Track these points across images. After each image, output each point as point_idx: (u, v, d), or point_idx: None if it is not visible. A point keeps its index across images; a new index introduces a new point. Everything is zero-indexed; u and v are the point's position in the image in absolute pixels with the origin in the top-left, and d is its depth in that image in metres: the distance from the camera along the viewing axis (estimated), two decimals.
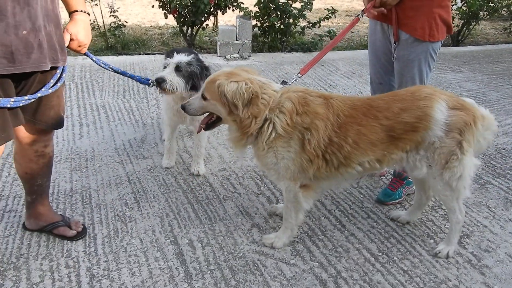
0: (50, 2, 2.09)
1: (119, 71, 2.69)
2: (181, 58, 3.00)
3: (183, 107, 2.54)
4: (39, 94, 2.14)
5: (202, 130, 3.27)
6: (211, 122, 2.54)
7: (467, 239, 2.78)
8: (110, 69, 2.63)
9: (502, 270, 2.53)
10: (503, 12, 9.96)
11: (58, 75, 2.23)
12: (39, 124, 2.30)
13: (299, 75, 2.67)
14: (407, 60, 2.84)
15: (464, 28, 8.05)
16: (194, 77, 2.98)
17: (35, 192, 2.56)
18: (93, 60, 2.54)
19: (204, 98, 2.40)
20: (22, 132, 2.33)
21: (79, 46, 2.31)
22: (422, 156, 2.41)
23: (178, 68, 2.97)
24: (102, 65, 2.57)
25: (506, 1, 8.72)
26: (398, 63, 2.90)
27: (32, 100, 2.14)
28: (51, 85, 2.21)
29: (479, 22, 8.50)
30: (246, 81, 2.29)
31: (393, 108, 2.36)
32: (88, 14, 2.30)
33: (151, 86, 2.98)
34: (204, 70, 3.06)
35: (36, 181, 2.52)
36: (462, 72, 6.32)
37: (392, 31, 2.85)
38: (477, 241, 2.77)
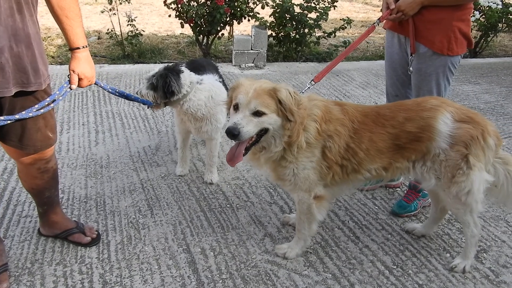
0: (20, 21, 1.96)
1: (124, 94, 2.68)
2: (151, 72, 3.06)
3: (234, 134, 2.11)
4: (17, 116, 2.05)
5: (215, 140, 3.32)
6: (252, 143, 2.26)
7: (484, 254, 2.72)
8: (117, 94, 2.62)
9: None
10: None
11: (46, 103, 2.15)
12: (27, 149, 2.24)
13: (313, 82, 2.67)
14: (424, 73, 2.81)
15: (482, 40, 7.97)
16: (160, 87, 2.98)
17: (45, 204, 2.58)
18: (101, 87, 2.52)
19: (259, 114, 2.15)
20: (17, 155, 2.30)
21: (89, 81, 2.29)
22: (429, 168, 2.38)
23: (148, 82, 3.03)
24: (110, 90, 2.58)
25: None
26: (416, 76, 2.87)
27: (9, 122, 2.04)
28: (36, 109, 2.12)
29: (498, 34, 8.41)
30: (287, 86, 2.22)
31: (398, 117, 2.35)
32: (88, 46, 2.24)
33: (153, 108, 3.10)
34: (168, 78, 2.98)
35: (44, 194, 2.53)
36: (480, 84, 6.24)
37: (409, 43, 2.83)
38: (495, 256, 2.71)
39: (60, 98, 2.24)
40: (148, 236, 2.77)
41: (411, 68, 2.83)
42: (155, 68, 3.08)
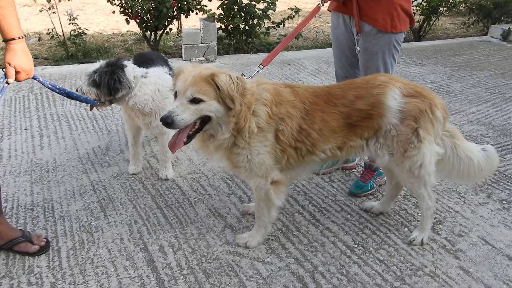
0: None
1: (65, 91, 2.52)
2: (91, 68, 2.91)
3: (167, 123, 2.06)
4: None
5: (167, 135, 3.21)
6: (194, 132, 2.19)
7: (440, 225, 2.79)
8: (57, 91, 2.46)
9: (476, 253, 2.54)
10: (461, 8, 10.26)
11: None
12: None
13: (261, 66, 2.62)
14: (371, 52, 2.83)
15: (425, 24, 8.23)
16: (104, 83, 2.83)
17: None
18: (40, 82, 2.36)
19: (196, 102, 2.08)
20: None
21: (27, 74, 2.14)
22: (382, 144, 2.40)
23: (89, 78, 2.88)
24: (50, 86, 2.42)
25: None
26: (362, 55, 2.88)
27: None
28: None
29: (439, 17, 8.71)
30: (230, 72, 2.15)
31: (349, 96, 2.35)
32: (24, 37, 2.09)
33: (98, 106, 2.95)
34: (112, 74, 2.84)
35: None
36: (426, 65, 6.43)
37: (354, 23, 2.84)
38: (450, 226, 2.78)
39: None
40: (102, 238, 2.64)
41: (358, 48, 2.84)
42: (95, 63, 2.93)
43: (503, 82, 5.65)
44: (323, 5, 2.85)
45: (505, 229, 2.75)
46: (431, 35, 8.65)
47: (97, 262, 2.45)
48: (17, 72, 2.10)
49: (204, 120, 2.17)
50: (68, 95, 2.58)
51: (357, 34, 2.83)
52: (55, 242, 2.59)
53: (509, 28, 8.09)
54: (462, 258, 2.50)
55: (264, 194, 2.42)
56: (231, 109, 2.13)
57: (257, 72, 2.60)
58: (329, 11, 3.07)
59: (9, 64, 2.07)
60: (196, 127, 2.18)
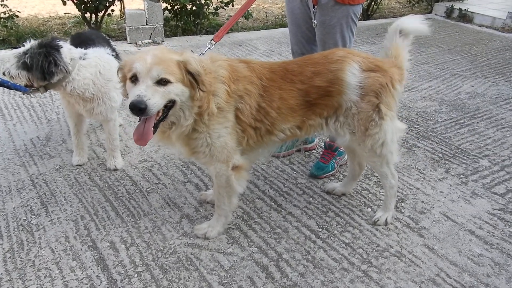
0: None
1: None
2: (21, 49, 2.58)
3: (141, 109, 1.79)
4: None
5: (113, 121, 2.95)
6: (160, 119, 1.97)
7: (402, 203, 2.75)
8: None
9: (439, 229, 2.52)
10: None
11: None
12: None
13: (213, 42, 2.42)
14: (328, 25, 2.70)
15: (373, 3, 8.27)
16: (37, 66, 2.52)
17: None
18: None
19: (163, 82, 1.86)
20: None
21: None
22: (343, 123, 2.29)
23: (19, 60, 2.54)
24: None
25: None
26: (320, 29, 2.75)
27: None
28: None
29: None
30: (188, 52, 1.98)
31: (306, 72, 2.21)
32: None
33: (30, 93, 2.62)
34: (46, 56, 2.54)
35: None
36: (376, 43, 6.45)
37: None
38: (412, 204, 2.75)
39: None
40: (44, 237, 2.38)
41: (315, 21, 2.70)
42: (26, 44, 2.60)
43: (450, 58, 5.76)
44: None
45: (465, 204, 2.75)
46: (378, 14, 8.72)
47: (39, 264, 2.19)
48: None
49: (167, 106, 1.95)
50: None
51: (313, 7, 2.69)
52: None
53: (452, 6, 8.30)
54: (426, 235, 2.46)
55: (225, 181, 2.25)
56: (195, 93, 1.95)
57: (209, 48, 2.40)
58: None
59: None
60: (160, 114, 1.95)
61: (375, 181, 2.96)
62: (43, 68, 2.53)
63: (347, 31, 2.73)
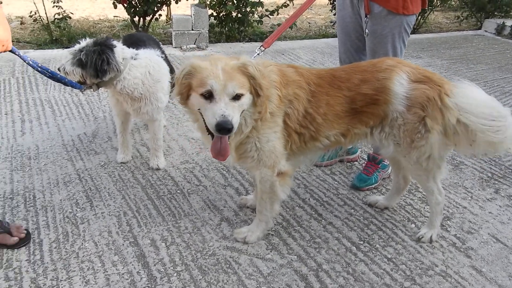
0: None
1: (48, 71, 2.29)
2: (77, 46, 2.65)
3: (229, 129, 1.82)
4: None
5: (158, 121, 3.00)
6: None
7: (448, 221, 2.65)
8: (39, 69, 2.22)
9: (488, 251, 2.41)
10: (453, 3, 10.20)
11: None
12: None
13: (262, 48, 2.43)
14: (380, 35, 2.66)
15: (419, 17, 8.12)
16: (91, 63, 2.58)
17: None
18: (20, 56, 2.12)
19: (237, 97, 1.88)
20: None
21: (3, 45, 1.90)
22: (388, 134, 2.24)
23: (74, 57, 2.61)
24: (31, 63, 2.19)
25: None
26: (371, 39, 2.71)
27: None
28: None
29: (433, 11, 8.61)
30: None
31: (353, 79, 2.18)
32: (1, 2, 1.88)
33: (84, 90, 2.71)
34: (100, 54, 2.60)
35: None
36: (422, 58, 6.31)
37: (362, 4, 2.66)
38: (459, 223, 2.64)
39: None
40: (88, 231, 2.43)
41: (367, 30, 2.66)
42: (81, 42, 2.69)
43: (501, 76, 5.56)
44: None
45: None
46: (424, 29, 8.55)
47: (83, 256, 2.24)
48: None
49: None
50: (52, 75, 2.35)
51: (365, 16, 2.66)
52: (36, 234, 2.38)
53: (503, 23, 8.04)
54: (473, 256, 2.36)
55: (269, 187, 2.24)
56: (257, 99, 1.97)
57: (257, 54, 2.41)
58: None
59: None
60: None
61: (419, 197, 2.87)
62: (97, 65, 2.61)
63: (399, 42, 2.67)
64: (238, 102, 1.89)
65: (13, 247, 2.26)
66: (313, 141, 2.24)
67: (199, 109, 1.94)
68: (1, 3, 1.86)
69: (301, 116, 2.13)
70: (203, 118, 1.94)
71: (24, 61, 2.16)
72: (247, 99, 1.93)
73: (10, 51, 2.00)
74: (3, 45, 1.89)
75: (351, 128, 2.24)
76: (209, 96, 1.87)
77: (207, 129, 1.96)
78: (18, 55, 2.10)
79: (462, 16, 8.89)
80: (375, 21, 2.63)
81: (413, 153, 2.22)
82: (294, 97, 2.10)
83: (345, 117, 2.21)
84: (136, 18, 6.45)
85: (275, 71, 2.10)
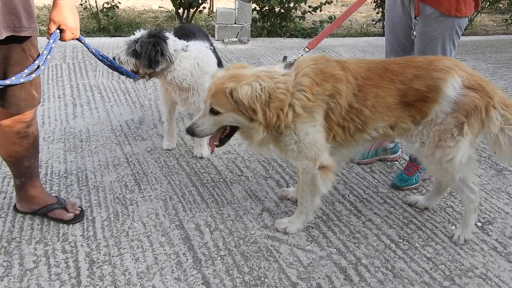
0: None
1: (108, 60, 2.42)
2: (132, 37, 2.79)
3: (191, 132, 2.18)
4: (8, 82, 1.86)
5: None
6: (226, 136, 2.25)
7: (490, 226, 2.63)
8: (100, 57, 2.35)
9: None
10: (500, 5, 9.90)
11: (36, 66, 1.95)
12: (10, 108, 2.02)
13: (307, 49, 2.47)
14: (430, 37, 2.65)
15: None
16: (145, 54, 2.71)
17: (23, 175, 2.33)
18: (85, 45, 2.25)
19: (214, 113, 2.11)
20: None
21: (72, 33, 2.02)
22: (419, 131, 2.26)
23: (129, 48, 2.76)
24: (94, 51, 2.31)
25: None
26: (420, 40, 2.71)
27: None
28: (27, 73, 1.91)
29: (480, 13, 8.39)
30: (257, 80, 2.06)
31: (407, 73, 2.19)
32: None
33: (138, 79, 2.83)
34: (155, 46, 2.73)
35: (23, 164, 2.28)
36: (466, 61, 6.19)
37: (413, 5, 2.66)
38: (501, 228, 2.62)
39: (48, 57, 1.99)
40: (137, 212, 2.56)
41: (414, 33, 2.66)
42: (136, 33, 2.81)
43: None
44: None
45: None
46: (469, 31, 8.35)
47: (132, 235, 2.37)
48: (62, 31, 2.00)
49: (232, 127, 2.20)
50: (111, 64, 2.47)
51: (415, 18, 2.66)
52: (89, 212, 2.53)
53: None
54: None
55: (310, 179, 2.30)
56: (253, 120, 2.09)
57: (301, 55, 2.45)
58: None
59: (53, 21, 1.95)
60: (227, 131, 2.23)
61: (460, 200, 2.86)
62: (151, 56, 2.73)
63: (449, 44, 2.66)
64: (216, 117, 2.12)
65: (68, 222, 2.40)
66: (360, 133, 2.27)
67: None
68: None
69: (343, 110, 2.17)
70: None
71: (88, 49, 2.28)
72: (229, 117, 2.11)
73: (77, 39, 2.13)
74: (72, 33, 2.02)
75: (400, 122, 2.26)
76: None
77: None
78: (83, 43, 2.23)
79: (510, 19, 8.62)
80: (426, 22, 2.62)
81: (437, 153, 2.22)
82: (335, 91, 2.14)
83: (396, 109, 2.22)
84: (181, 10, 6.61)
85: (308, 73, 2.14)
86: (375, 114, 2.20)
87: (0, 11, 1.77)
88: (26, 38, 1.93)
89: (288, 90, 2.10)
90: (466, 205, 2.41)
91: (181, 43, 2.93)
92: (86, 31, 6.46)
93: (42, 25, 6.32)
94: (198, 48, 3.01)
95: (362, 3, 2.67)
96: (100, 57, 2.37)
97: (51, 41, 1.98)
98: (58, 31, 1.98)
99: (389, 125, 2.25)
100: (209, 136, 2.26)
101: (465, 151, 2.19)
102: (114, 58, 2.77)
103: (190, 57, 2.91)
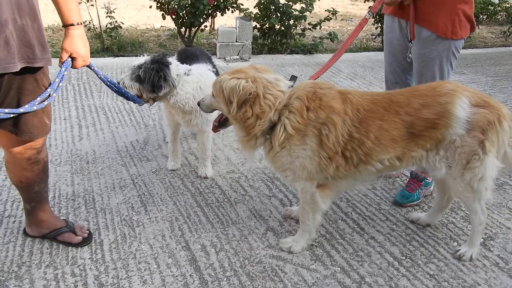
0: None
1: (115, 86, 2.51)
2: (136, 62, 2.89)
3: (199, 104, 2.55)
4: (21, 110, 1.93)
5: (207, 133, 3.17)
6: (222, 120, 2.50)
7: (491, 241, 2.67)
8: (107, 83, 2.44)
9: None
10: (499, 17, 10.01)
11: (48, 94, 2.03)
12: (23, 135, 2.08)
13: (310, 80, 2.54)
14: (427, 58, 2.73)
15: None
16: (148, 79, 2.80)
17: (33, 200, 2.39)
18: (95, 72, 2.33)
19: (213, 95, 2.39)
20: (8, 141, 2.13)
21: (83, 61, 2.12)
22: (442, 157, 2.29)
23: (133, 73, 2.85)
24: (102, 77, 2.39)
25: (505, 5, 8.73)
26: (418, 61, 2.78)
27: (13, 115, 1.94)
28: (39, 101, 1.99)
29: (478, 26, 8.49)
30: (248, 79, 2.18)
31: (413, 103, 2.24)
32: (83, 23, 2.09)
33: (142, 104, 2.91)
34: (158, 72, 2.80)
35: (33, 189, 2.34)
36: (466, 74, 6.26)
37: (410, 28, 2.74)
38: (502, 243, 2.66)
39: (60, 84, 2.08)
40: (143, 233, 2.61)
41: (410, 55, 2.75)
42: (140, 58, 2.90)
43: None
44: (370, 17, 2.76)
45: None
46: (468, 44, 8.43)
47: (140, 257, 2.42)
48: (74, 59, 2.08)
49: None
50: (118, 90, 2.55)
51: (410, 41, 2.74)
52: (97, 234, 2.58)
53: None
54: None
55: (310, 197, 2.36)
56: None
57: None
58: (383, 13, 2.98)
59: (65, 50, 2.05)
60: (222, 118, 2.48)
61: (462, 216, 2.90)
62: (154, 82, 2.80)
63: (446, 65, 2.73)
64: (212, 99, 2.40)
65: (77, 245, 2.45)
66: (364, 165, 2.31)
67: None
68: (83, 23, 2.07)
69: (342, 140, 2.21)
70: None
71: (97, 75, 2.36)
72: (217, 102, 2.36)
73: (88, 66, 2.21)
74: (83, 61, 2.10)
75: (408, 152, 2.30)
76: None
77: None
78: (93, 70, 2.31)
79: (508, 31, 8.71)
80: (423, 44, 2.70)
81: (467, 174, 2.27)
82: (328, 121, 2.19)
83: (401, 141, 2.26)
84: (183, 29, 6.72)
85: (301, 96, 2.21)
86: (379, 146, 2.24)
87: (15, 44, 1.85)
88: (39, 68, 2.01)
89: (273, 104, 2.20)
90: (475, 226, 2.45)
91: (184, 67, 3.01)
92: (90, 52, 6.55)
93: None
94: (200, 72, 3.08)
95: (359, 31, 2.76)
96: (108, 83, 2.45)
97: (63, 69, 2.07)
98: (69, 59, 2.07)
99: (396, 156, 2.29)
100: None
101: (492, 165, 2.26)
102: (118, 83, 2.85)
103: (192, 81, 2.98)
